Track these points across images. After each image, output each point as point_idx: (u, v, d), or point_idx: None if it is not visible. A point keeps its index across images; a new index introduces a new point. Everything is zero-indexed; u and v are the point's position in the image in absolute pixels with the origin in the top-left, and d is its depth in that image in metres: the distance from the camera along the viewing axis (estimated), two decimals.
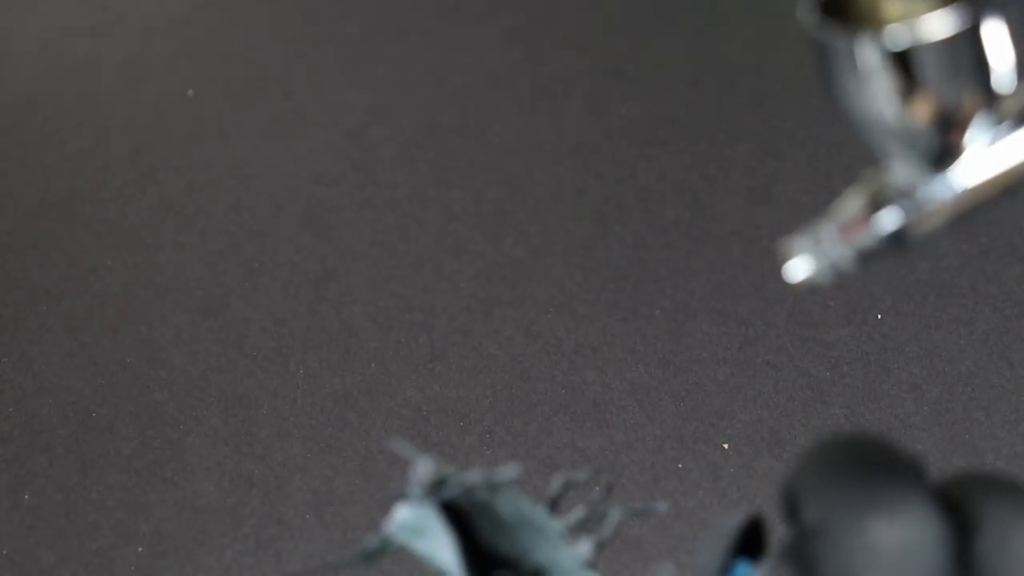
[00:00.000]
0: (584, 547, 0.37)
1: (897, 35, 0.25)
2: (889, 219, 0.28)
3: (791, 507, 0.29)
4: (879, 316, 1.27)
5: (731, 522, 0.35)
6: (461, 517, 0.37)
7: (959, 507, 0.28)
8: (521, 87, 1.70)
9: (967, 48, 0.25)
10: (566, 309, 1.32)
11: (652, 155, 1.54)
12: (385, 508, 1.19)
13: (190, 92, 1.78)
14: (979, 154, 0.27)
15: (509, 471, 0.37)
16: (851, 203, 0.29)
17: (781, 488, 0.30)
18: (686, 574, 0.95)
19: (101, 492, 1.22)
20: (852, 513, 0.26)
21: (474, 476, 0.36)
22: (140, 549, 1.16)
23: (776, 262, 1.37)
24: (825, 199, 1.45)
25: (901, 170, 0.28)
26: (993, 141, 0.27)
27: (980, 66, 0.25)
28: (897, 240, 0.28)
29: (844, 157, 1.50)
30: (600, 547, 0.37)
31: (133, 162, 1.66)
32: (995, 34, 0.25)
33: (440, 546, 0.35)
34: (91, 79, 1.86)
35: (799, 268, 0.30)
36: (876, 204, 0.29)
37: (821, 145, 1.52)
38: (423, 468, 0.36)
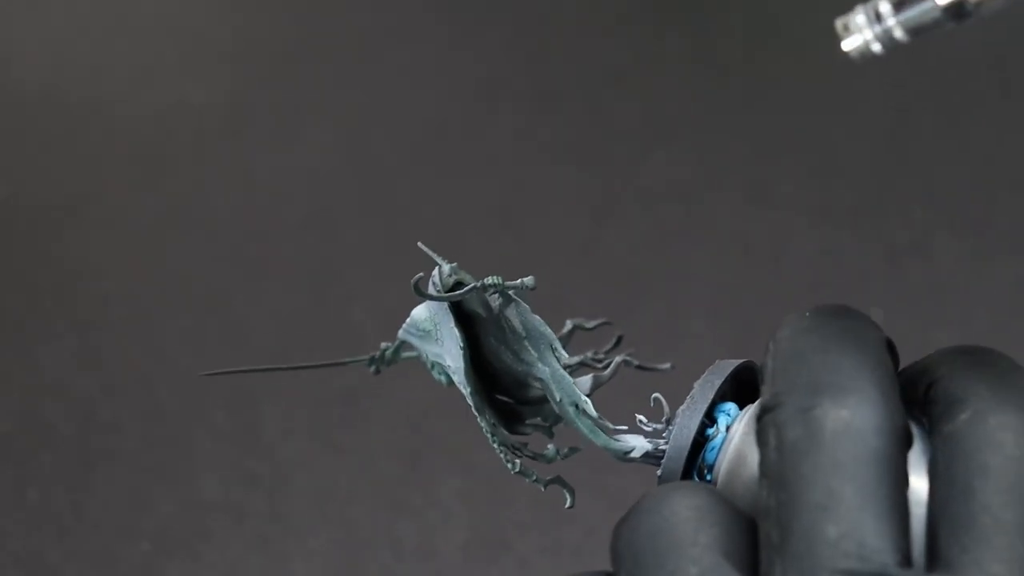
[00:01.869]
0: (584, 380, 0.38)
1: None
2: None
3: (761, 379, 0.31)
4: (878, 316, 1.28)
5: (726, 364, 0.37)
6: (471, 326, 0.38)
7: (932, 388, 0.28)
8: (521, 87, 1.71)
9: None
10: (566, 309, 1.33)
11: (652, 155, 1.55)
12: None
13: (193, 93, 1.79)
14: None
15: (526, 280, 0.39)
16: None
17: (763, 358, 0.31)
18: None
19: (106, 489, 1.23)
20: (798, 396, 0.27)
21: (491, 279, 0.38)
22: (145, 546, 1.17)
23: (775, 262, 1.38)
24: (825, 199, 1.46)
25: None
26: None
27: None
28: (956, 12, 0.28)
29: (844, 157, 1.51)
30: (598, 384, 0.38)
31: (137, 163, 1.67)
32: None
33: (448, 350, 0.37)
34: (95, 80, 1.86)
35: (856, 42, 0.30)
36: None
37: (821, 145, 1.53)
38: (444, 269, 0.37)
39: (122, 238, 1.55)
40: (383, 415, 1.27)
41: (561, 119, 1.64)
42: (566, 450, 0.40)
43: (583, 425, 0.38)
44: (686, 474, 0.35)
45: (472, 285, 0.38)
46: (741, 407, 0.36)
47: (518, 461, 0.38)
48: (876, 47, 0.30)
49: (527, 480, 0.37)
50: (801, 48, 1.73)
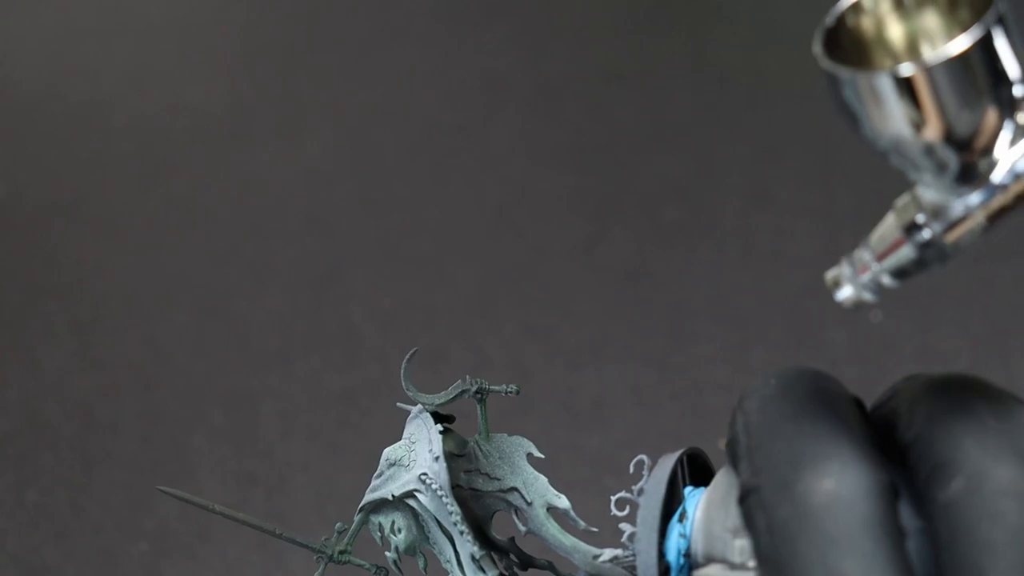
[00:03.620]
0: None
1: (906, 65, 0.25)
2: (924, 237, 0.28)
3: (732, 459, 0.30)
4: (877, 317, 1.28)
5: (672, 455, 0.36)
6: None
7: (915, 446, 0.27)
8: (521, 87, 1.71)
9: (980, 62, 0.24)
10: (566, 309, 1.33)
11: (652, 155, 1.55)
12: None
13: (193, 93, 1.79)
14: (1008, 162, 0.27)
15: (510, 387, 0.39)
16: (886, 226, 0.30)
17: (727, 437, 0.30)
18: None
19: (105, 490, 1.23)
20: (777, 472, 0.26)
21: (474, 382, 0.39)
22: (144, 546, 1.17)
23: (775, 263, 1.38)
24: (825, 199, 1.46)
25: (931, 191, 0.28)
26: (1020, 146, 0.26)
27: (996, 76, 0.25)
28: (934, 255, 0.29)
29: (844, 157, 1.51)
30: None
31: (137, 163, 1.67)
32: (1005, 41, 0.24)
33: (424, 464, 0.37)
34: (95, 80, 1.86)
35: (847, 293, 0.30)
36: (909, 225, 0.29)
37: (821, 145, 1.53)
38: (429, 398, 0.38)
39: (122, 238, 1.55)
40: (383, 415, 1.27)
41: (561, 119, 1.64)
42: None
43: (552, 528, 0.38)
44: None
45: (459, 387, 0.39)
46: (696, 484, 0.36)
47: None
48: (867, 295, 0.30)
49: None
50: (801, 49, 1.73)
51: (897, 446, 0.28)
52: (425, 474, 0.37)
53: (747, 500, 0.27)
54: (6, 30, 2.01)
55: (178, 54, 1.88)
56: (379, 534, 0.40)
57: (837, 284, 0.31)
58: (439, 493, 0.37)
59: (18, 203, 1.63)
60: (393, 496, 0.39)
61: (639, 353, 1.28)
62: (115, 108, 1.78)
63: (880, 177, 1.64)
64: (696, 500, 0.33)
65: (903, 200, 0.29)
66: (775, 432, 0.27)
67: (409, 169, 1.58)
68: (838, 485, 0.25)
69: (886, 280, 0.30)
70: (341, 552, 0.42)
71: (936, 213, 0.28)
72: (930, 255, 0.29)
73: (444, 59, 1.77)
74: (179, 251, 1.51)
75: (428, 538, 0.39)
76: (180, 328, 1.40)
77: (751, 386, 0.30)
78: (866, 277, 0.30)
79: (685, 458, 0.37)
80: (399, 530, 0.39)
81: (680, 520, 0.33)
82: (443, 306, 1.36)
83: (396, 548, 0.40)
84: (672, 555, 0.32)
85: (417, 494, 0.38)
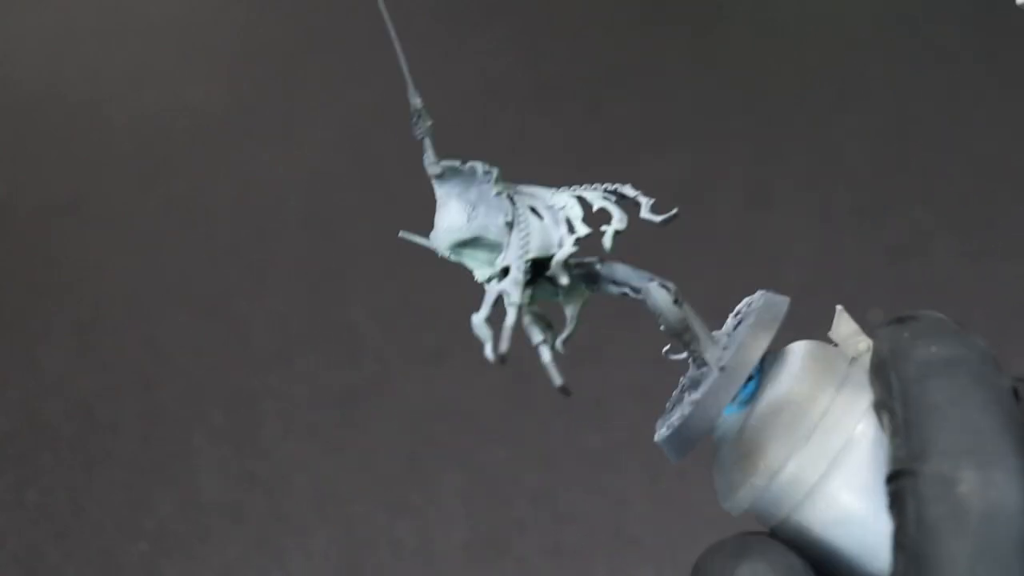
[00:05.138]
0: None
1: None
2: None
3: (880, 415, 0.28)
4: (877, 316, 1.28)
5: (777, 302, 0.34)
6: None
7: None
8: (521, 87, 1.71)
9: None
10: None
11: (651, 155, 1.55)
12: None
13: (193, 93, 1.79)
14: None
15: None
16: None
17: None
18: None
19: (105, 490, 1.23)
20: (938, 463, 0.25)
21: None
22: (144, 546, 1.17)
23: (775, 263, 1.38)
24: (824, 200, 1.46)
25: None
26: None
27: None
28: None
29: (844, 158, 1.51)
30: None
31: (137, 163, 1.67)
32: None
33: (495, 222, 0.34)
34: (95, 81, 1.86)
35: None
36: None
37: (821, 146, 1.53)
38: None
39: (122, 238, 1.55)
40: (383, 415, 1.27)
41: (561, 119, 1.64)
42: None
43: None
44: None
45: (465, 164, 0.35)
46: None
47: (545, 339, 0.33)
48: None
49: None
50: (801, 49, 1.73)
51: None
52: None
53: (899, 481, 0.25)
54: (6, 30, 2.01)
55: (178, 54, 1.88)
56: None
57: None
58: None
59: (18, 203, 1.63)
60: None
61: (639, 353, 1.28)
62: (115, 108, 1.78)
63: (881, 177, 1.65)
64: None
65: None
66: (939, 414, 0.26)
67: (409, 169, 1.58)
68: (1002, 496, 0.24)
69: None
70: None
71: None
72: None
73: (444, 59, 1.77)
74: (179, 251, 1.51)
75: (515, 209, 0.34)
76: (181, 328, 1.40)
77: (901, 339, 0.28)
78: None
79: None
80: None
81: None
82: (443, 305, 1.36)
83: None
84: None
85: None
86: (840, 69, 1.66)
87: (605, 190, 0.35)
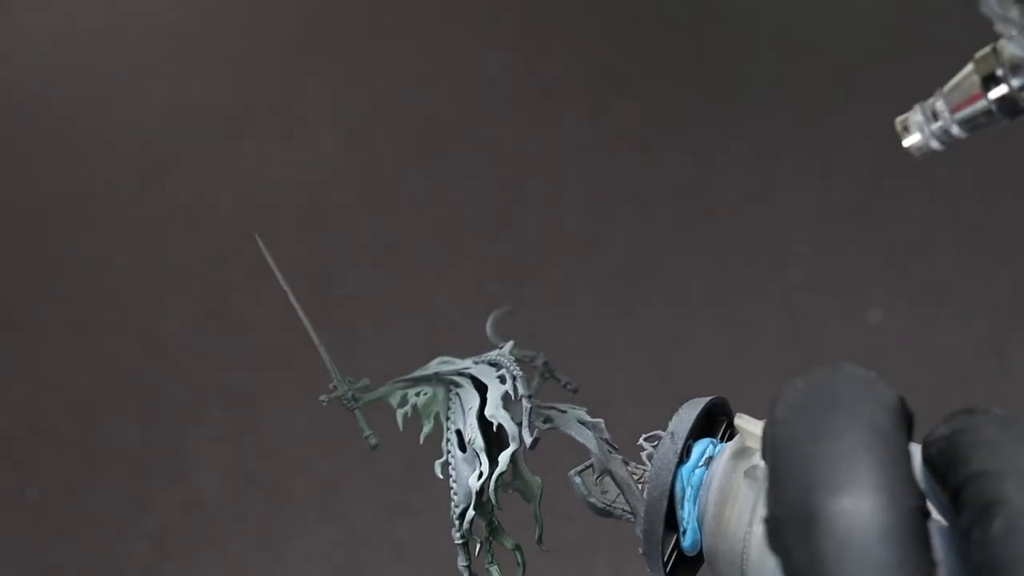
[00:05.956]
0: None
1: None
2: (1000, 90, 0.29)
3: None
4: (877, 317, 1.28)
5: (698, 401, 0.36)
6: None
7: (967, 486, 0.27)
8: (521, 88, 1.71)
9: None
10: (566, 309, 1.33)
11: (651, 156, 1.55)
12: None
13: (193, 93, 1.79)
14: None
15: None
16: (962, 76, 0.30)
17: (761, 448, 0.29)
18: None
19: (106, 489, 1.23)
20: (794, 508, 0.26)
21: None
22: (144, 546, 1.17)
23: (775, 262, 1.38)
24: (824, 200, 1.46)
25: (1013, 44, 0.28)
26: None
27: None
28: (1007, 109, 0.29)
29: (844, 158, 1.51)
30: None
31: (138, 163, 1.67)
32: None
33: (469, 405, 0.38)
34: (97, 80, 1.86)
35: (915, 140, 0.31)
36: (987, 77, 0.29)
37: (821, 145, 1.53)
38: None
39: (122, 238, 1.55)
40: (383, 415, 1.27)
41: (561, 119, 1.64)
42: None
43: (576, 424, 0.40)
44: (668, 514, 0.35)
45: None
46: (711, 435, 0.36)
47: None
48: (935, 144, 0.31)
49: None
50: (801, 49, 1.73)
51: (951, 484, 0.27)
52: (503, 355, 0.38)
53: (768, 531, 0.26)
54: (6, 30, 2.01)
55: (178, 54, 1.88)
56: (396, 401, 0.40)
57: (906, 129, 0.31)
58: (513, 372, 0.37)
59: (18, 203, 1.64)
60: (438, 375, 0.39)
61: (639, 353, 1.28)
62: (115, 108, 1.78)
63: (881, 177, 1.65)
64: (716, 453, 0.34)
65: (983, 52, 0.29)
66: (794, 454, 0.26)
67: (409, 169, 1.58)
68: (850, 530, 0.25)
69: (956, 130, 0.30)
70: (354, 398, 0.41)
71: (1015, 68, 0.28)
72: (1003, 108, 0.29)
73: (444, 59, 1.77)
74: (180, 251, 1.51)
75: (448, 409, 0.39)
76: (181, 328, 1.40)
77: (784, 387, 0.29)
78: (936, 125, 0.30)
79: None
80: (424, 394, 0.39)
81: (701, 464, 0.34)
82: (443, 305, 1.36)
83: (406, 413, 0.40)
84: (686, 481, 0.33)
85: (465, 372, 0.39)
86: (840, 69, 1.66)
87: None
